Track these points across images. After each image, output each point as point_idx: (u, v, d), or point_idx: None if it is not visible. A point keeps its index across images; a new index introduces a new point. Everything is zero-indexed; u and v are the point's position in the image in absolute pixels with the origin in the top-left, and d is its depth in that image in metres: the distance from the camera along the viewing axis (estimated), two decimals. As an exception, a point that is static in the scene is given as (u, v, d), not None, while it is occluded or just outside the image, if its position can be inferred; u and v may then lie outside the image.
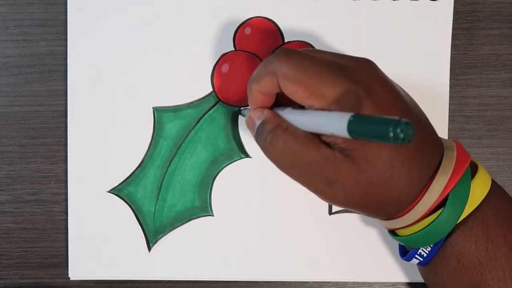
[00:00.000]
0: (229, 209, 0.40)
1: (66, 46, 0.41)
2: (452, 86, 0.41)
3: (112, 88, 0.40)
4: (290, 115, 0.31)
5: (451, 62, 0.40)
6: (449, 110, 0.40)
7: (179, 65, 0.40)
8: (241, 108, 0.40)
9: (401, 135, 0.23)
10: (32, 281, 0.42)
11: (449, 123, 0.40)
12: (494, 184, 0.33)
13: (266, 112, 0.32)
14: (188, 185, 0.40)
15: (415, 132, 0.23)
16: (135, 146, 0.40)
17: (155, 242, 0.40)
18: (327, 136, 0.29)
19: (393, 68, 0.40)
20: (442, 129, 0.40)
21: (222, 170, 0.40)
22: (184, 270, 0.40)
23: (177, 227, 0.40)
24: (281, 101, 0.32)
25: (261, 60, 0.40)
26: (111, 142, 0.40)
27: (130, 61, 0.40)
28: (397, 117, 0.23)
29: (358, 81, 0.29)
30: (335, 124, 0.27)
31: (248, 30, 0.40)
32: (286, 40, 0.40)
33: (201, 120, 0.40)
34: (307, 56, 0.30)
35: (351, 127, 0.25)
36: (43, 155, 0.41)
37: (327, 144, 0.29)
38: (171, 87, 0.40)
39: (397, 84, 0.32)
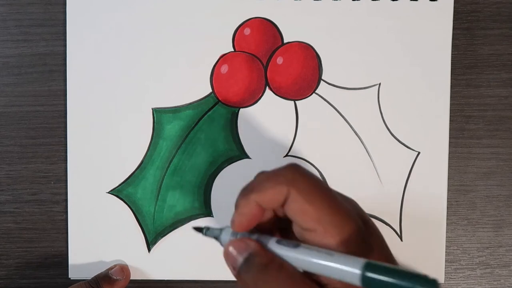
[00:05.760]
0: (229, 209, 0.40)
1: (65, 46, 0.41)
2: (452, 86, 0.40)
3: (111, 88, 0.40)
4: (280, 250, 0.27)
5: (451, 62, 0.40)
6: (449, 110, 0.40)
7: (179, 66, 0.40)
8: (207, 227, 0.32)
9: None
10: (32, 281, 0.42)
11: (449, 123, 0.40)
12: None
13: (254, 245, 0.28)
14: (187, 185, 0.40)
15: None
16: (135, 147, 0.40)
17: (155, 243, 0.40)
18: (319, 275, 0.26)
19: (393, 68, 0.40)
20: (442, 129, 0.40)
21: (222, 171, 0.40)
22: (184, 270, 0.40)
23: (177, 227, 0.40)
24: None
25: (260, 61, 0.40)
26: (110, 143, 0.40)
27: (130, 62, 0.40)
28: (422, 274, 0.21)
29: (362, 222, 0.27)
30: (344, 272, 0.24)
31: (247, 31, 0.40)
32: (285, 41, 0.40)
33: (201, 121, 0.40)
34: (318, 179, 0.27)
35: (365, 278, 0.23)
36: (43, 155, 0.41)
37: (320, 284, 0.26)
38: (170, 88, 0.40)
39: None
